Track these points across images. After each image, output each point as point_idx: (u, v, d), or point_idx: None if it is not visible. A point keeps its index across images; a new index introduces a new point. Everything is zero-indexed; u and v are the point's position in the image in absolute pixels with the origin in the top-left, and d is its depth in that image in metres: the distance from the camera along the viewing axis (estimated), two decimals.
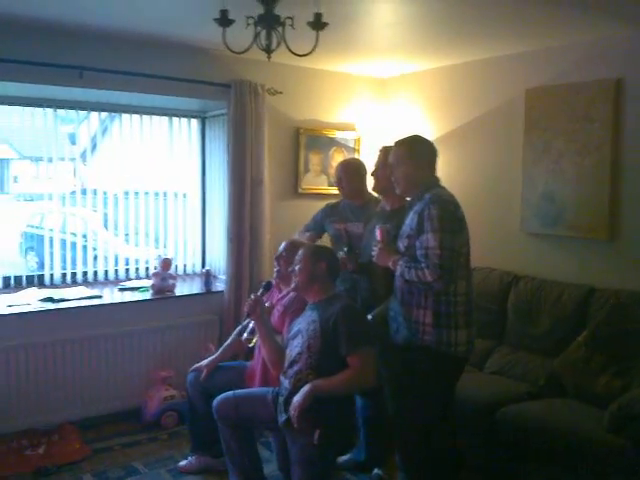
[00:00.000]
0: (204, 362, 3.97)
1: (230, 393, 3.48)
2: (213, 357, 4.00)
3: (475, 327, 3.23)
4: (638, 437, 3.23)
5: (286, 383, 3.23)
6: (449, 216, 3.02)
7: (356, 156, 5.85)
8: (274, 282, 3.88)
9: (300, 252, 3.43)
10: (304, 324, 3.28)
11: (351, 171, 4.22)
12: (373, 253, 3.32)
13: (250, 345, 3.61)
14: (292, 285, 3.46)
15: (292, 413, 3.05)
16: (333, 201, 4.50)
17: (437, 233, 2.96)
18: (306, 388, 3.07)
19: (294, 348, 3.27)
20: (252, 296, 3.53)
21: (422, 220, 3.02)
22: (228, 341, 4.08)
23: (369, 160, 5.66)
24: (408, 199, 3.33)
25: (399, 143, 3.33)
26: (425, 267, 2.97)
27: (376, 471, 3.94)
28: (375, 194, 4.05)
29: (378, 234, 3.29)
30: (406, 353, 3.20)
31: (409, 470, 3.34)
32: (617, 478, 3.22)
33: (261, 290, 3.63)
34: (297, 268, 3.36)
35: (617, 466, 3.22)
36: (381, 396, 3.51)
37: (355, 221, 4.10)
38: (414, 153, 3.25)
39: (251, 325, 3.53)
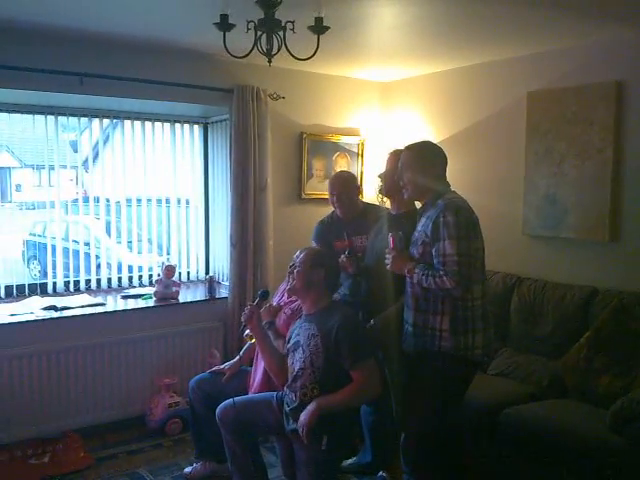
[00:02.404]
0: (227, 364, 3.98)
1: (230, 400, 3.46)
2: (235, 360, 4.00)
3: (492, 330, 3.22)
4: (639, 436, 3.23)
5: (292, 396, 3.22)
6: (465, 222, 3.00)
7: (360, 161, 5.89)
8: (286, 287, 3.88)
9: (302, 254, 3.39)
10: (303, 337, 3.24)
11: (350, 185, 4.10)
12: (387, 261, 3.27)
13: (251, 342, 3.61)
14: (288, 287, 3.42)
15: (300, 431, 3.04)
16: (322, 218, 4.31)
17: (454, 240, 2.95)
18: (311, 407, 3.06)
19: (296, 362, 3.24)
20: (248, 306, 3.52)
21: (437, 227, 3.01)
22: (247, 345, 4.06)
23: (374, 164, 5.71)
24: (418, 205, 3.33)
25: (409, 148, 3.31)
26: (444, 274, 2.95)
27: (381, 474, 3.95)
28: (379, 198, 4.02)
29: (390, 241, 3.25)
30: (418, 360, 3.18)
31: (416, 473, 3.33)
32: (619, 477, 3.23)
33: (257, 299, 3.62)
34: (296, 270, 3.33)
35: (619, 466, 3.23)
36: (384, 401, 3.50)
37: (359, 235, 3.99)
38: (423, 158, 3.24)
39: (245, 331, 3.53)
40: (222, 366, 4.00)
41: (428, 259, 3.07)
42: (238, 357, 4.01)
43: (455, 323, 3.05)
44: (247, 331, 3.59)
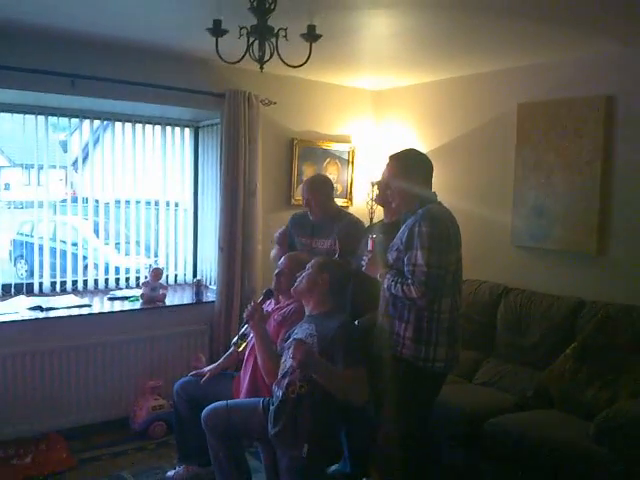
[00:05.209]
0: (207, 368, 3.98)
1: (221, 404, 3.46)
2: (216, 364, 4.00)
3: (459, 344, 3.24)
4: (623, 448, 3.24)
5: (279, 393, 3.21)
6: (439, 234, 3.02)
7: (350, 168, 5.90)
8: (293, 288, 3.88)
9: (313, 260, 3.48)
10: (301, 336, 3.26)
11: (318, 188, 4.17)
12: (363, 263, 3.32)
13: (239, 350, 3.62)
14: (294, 287, 3.46)
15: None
16: (298, 212, 4.45)
17: (425, 251, 2.97)
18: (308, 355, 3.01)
19: (289, 359, 3.24)
20: (252, 303, 3.53)
21: (412, 235, 3.03)
22: (230, 350, 4.06)
23: (364, 172, 5.72)
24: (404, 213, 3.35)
25: (394, 157, 3.32)
26: (411, 284, 2.99)
27: None
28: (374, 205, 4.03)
29: (370, 244, 3.30)
30: (385, 364, 3.21)
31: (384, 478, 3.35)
32: None
33: (261, 297, 3.64)
34: (304, 274, 3.39)
35: (603, 477, 3.24)
36: (358, 409, 3.49)
37: (322, 237, 4.08)
38: (409, 167, 3.25)
39: (242, 330, 3.54)
40: (204, 369, 3.99)
41: (400, 265, 3.10)
42: (217, 363, 4.01)
43: (419, 333, 3.08)
44: (235, 339, 3.60)
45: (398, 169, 3.26)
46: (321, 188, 4.18)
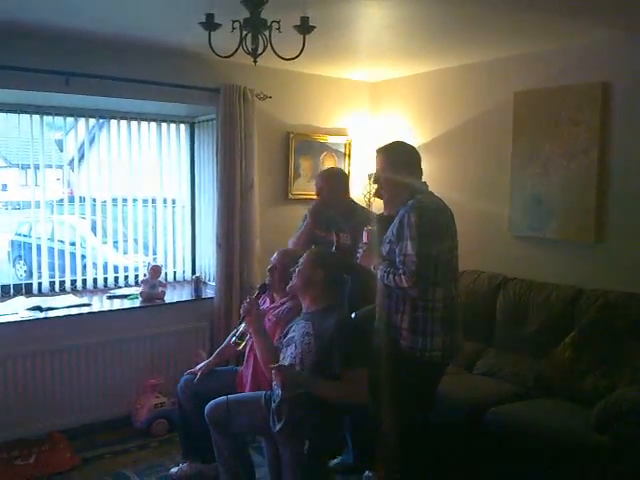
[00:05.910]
0: (199, 366, 3.97)
1: (223, 398, 3.45)
2: (208, 361, 4.00)
3: (457, 333, 3.24)
4: (623, 435, 3.26)
5: (279, 392, 3.20)
6: (428, 223, 3.04)
7: (347, 161, 5.89)
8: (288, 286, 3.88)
9: (305, 255, 3.44)
10: (298, 334, 3.25)
11: (327, 181, 4.16)
12: (358, 254, 3.34)
13: (239, 349, 3.61)
14: (289, 284, 3.44)
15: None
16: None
17: (415, 241, 3.00)
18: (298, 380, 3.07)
19: (286, 358, 3.25)
20: (247, 298, 3.53)
21: (402, 226, 3.07)
22: (223, 345, 4.07)
23: (361, 164, 5.70)
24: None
25: (381, 150, 3.36)
26: (402, 273, 3.02)
27: (367, 473, 3.93)
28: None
29: (365, 236, 3.32)
30: (382, 356, 3.22)
31: (387, 470, 3.34)
32: (603, 476, 3.25)
33: (256, 292, 3.63)
34: (297, 270, 3.36)
35: (603, 464, 3.25)
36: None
37: (345, 232, 4.06)
38: (396, 160, 3.28)
39: (241, 329, 3.53)
40: (196, 367, 3.99)
41: (393, 257, 3.12)
42: (208, 360, 4.01)
43: (414, 323, 3.10)
44: (234, 338, 3.60)
45: (386, 162, 3.30)
46: (330, 181, 4.17)
